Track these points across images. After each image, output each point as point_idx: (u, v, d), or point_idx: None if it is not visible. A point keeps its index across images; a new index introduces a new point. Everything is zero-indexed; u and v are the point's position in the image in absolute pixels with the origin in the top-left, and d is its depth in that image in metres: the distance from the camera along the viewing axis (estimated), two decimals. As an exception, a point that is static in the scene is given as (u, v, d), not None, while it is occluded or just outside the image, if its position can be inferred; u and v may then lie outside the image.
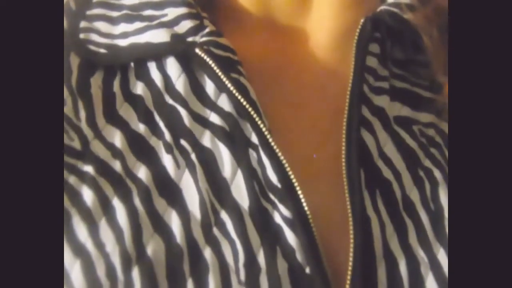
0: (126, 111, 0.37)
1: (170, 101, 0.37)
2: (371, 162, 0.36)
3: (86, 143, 0.35)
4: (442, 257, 0.34)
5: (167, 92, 0.38)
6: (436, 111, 0.39)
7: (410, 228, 0.35)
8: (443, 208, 0.36)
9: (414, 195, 0.36)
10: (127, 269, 0.32)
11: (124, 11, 0.40)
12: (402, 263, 0.34)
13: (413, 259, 0.34)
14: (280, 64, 0.41)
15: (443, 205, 0.36)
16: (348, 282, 0.33)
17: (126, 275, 0.32)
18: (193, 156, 0.35)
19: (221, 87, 0.37)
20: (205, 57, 0.37)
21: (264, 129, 0.36)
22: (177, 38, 0.38)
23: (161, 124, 0.36)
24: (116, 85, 0.38)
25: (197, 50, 0.37)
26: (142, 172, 0.35)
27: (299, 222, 0.33)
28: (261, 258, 0.33)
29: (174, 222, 0.33)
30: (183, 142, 0.36)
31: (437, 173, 0.37)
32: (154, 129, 0.36)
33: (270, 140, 0.35)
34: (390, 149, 0.37)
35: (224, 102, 0.37)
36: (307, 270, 0.33)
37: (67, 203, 0.33)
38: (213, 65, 0.37)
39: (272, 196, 0.34)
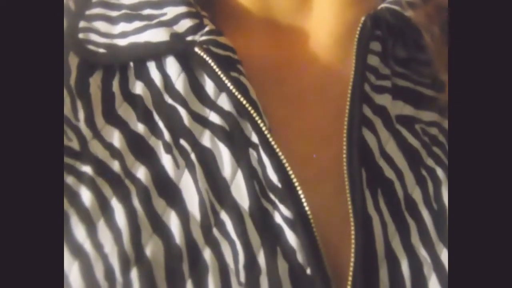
0: (125, 111, 0.37)
1: (169, 100, 0.37)
2: (373, 161, 0.36)
3: (84, 143, 0.35)
4: (445, 258, 0.34)
5: (166, 92, 0.37)
6: (438, 109, 0.39)
7: (412, 227, 0.34)
8: (446, 207, 0.35)
9: (417, 194, 0.36)
10: (125, 270, 0.31)
11: (123, 11, 0.40)
12: (404, 263, 0.33)
13: (416, 259, 0.34)
14: (280, 63, 0.40)
15: (446, 204, 0.35)
16: (350, 282, 0.32)
17: (125, 276, 0.31)
18: (192, 156, 0.35)
19: (221, 86, 0.37)
20: (205, 56, 0.37)
21: (264, 129, 0.35)
22: (176, 37, 0.38)
23: (161, 124, 0.36)
24: (115, 85, 0.38)
25: (196, 49, 0.37)
26: (141, 172, 0.34)
27: (300, 222, 0.33)
28: (261, 259, 0.32)
29: (173, 223, 0.33)
30: (182, 142, 0.36)
31: (440, 172, 0.36)
32: (154, 129, 0.36)
33: (270, 139, 0.35)
34: (392, 148, 0.37)
35: (224, 102, 0.37)
36: (308, 270, 0.32)
37: (65, 203, 0.33)
38: (212, 64, 0.37)
39: (272, 196, 0.34)
